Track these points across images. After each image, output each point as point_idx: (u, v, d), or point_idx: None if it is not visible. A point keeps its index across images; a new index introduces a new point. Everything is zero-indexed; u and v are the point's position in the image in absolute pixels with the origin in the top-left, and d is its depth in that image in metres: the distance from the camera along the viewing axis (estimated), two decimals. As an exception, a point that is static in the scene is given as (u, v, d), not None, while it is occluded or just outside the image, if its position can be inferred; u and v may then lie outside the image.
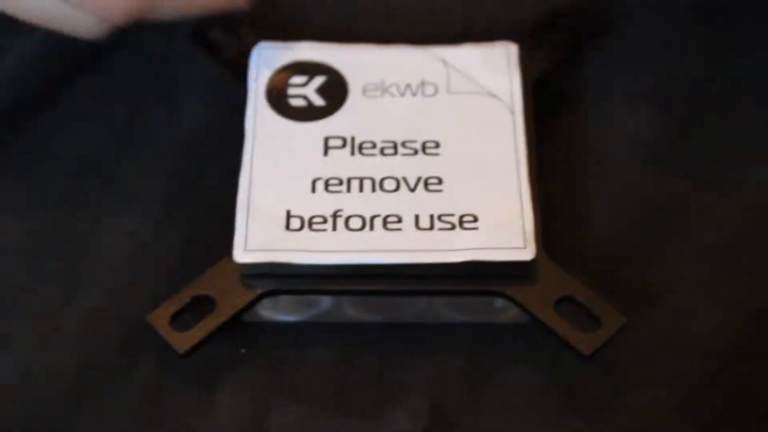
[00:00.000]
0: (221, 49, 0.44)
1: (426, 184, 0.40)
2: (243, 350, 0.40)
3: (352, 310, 0.40)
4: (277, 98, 0.42)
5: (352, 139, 0.41)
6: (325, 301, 0.40)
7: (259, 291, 0.39)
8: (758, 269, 0.42)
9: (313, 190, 0.40)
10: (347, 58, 0.43)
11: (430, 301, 0.40)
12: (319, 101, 0.42)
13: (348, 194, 0.40)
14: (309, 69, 0.43)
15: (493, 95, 0.42)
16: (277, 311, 0.40)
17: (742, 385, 0.39)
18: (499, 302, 0.40)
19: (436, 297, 0.40)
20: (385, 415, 0.39)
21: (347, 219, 0.39)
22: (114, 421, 0.39)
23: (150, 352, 0.40)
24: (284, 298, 0.40)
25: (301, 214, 0.39)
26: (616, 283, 0.41)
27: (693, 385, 0.39)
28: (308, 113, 0.42)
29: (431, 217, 0.39)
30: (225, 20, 0.44)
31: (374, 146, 0.41)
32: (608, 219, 0.43)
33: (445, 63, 0.43)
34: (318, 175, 0.40)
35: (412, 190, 0.40)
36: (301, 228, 0.39)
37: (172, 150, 0.44)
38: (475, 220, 0.39)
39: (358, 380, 0.40)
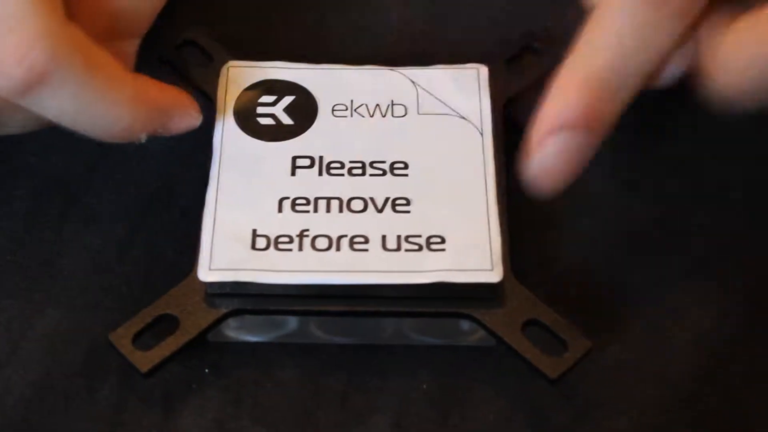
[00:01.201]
0: (191, 68, 0.44)
1: (394, 205, 0.40)
2: (207, 370, 0.40)
3: (318, 331, 0.40)
4: (246, 117, 0.42)
5: (320, 158, 0.41)
6: (292, 322, 0.40)
7: (223, 310, 0.38)
8: (728, 294, 0.42)
9: (280, 209, 0.40)
10: (317, 78, 0.43)
11: (398, 322, 0.40)
12: (287, 121, 0.42)
13: (315, 214, 0.40)
14: (278, 88, 0.43)
15: (463, 117, 0.42)
16: (242, 331, 0.40)
17: (711, 411, 0.39)
18: (466, 324, 0.39)
19: (403, 319, 0.40)
20: (351, 437, 0.39)
21: (314, 239, 0.39)
22: (75, 443, 0.38)
23: (112, 372, 0.39)
24: (250, 318, 0.40)
25: (268, 234, 0.39)
26: (584, 306, 0.41)
27: (659, 411, 0.39)
28: (276, 132, 0.42)
29: (398, 238, 0.39)
30: (195, 39, 0.44)
31: (342, 166, 0.41)
32: (577, 242, 0.42)
33: (415, 84, 0.43)
34: (285, 195, 0.40)
35: (380, 210, 0.40)
36: (267, 247, 0.39)
37: (139, 168, 0.44)
38: (443, 241, 0.39)
39: (323, 402, 0.39)
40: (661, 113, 0.46)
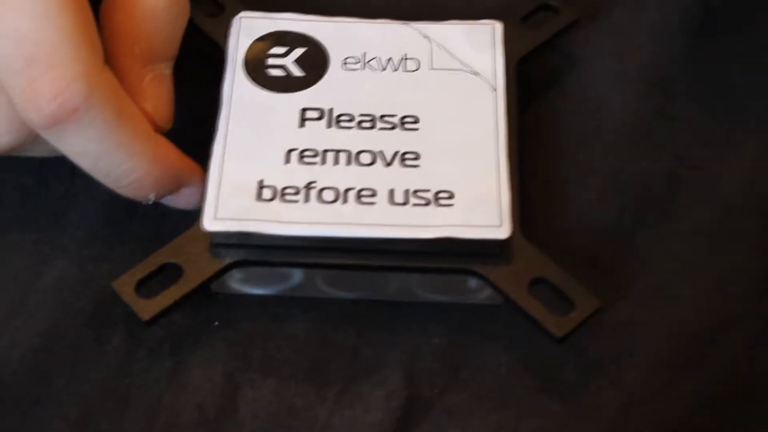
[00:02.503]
0: (203, 18, 0.43)
1: (402, 159, 0.40)
2: (216, 323, 0.40)
3: (324, 285, 0.40)
4: (256, 68, 0.42)
5: (330, 111, 0.41)
6: (297, 275, 0.40)
7: (227, 261, 0.38)
8: (738, 252, 0.41)
9: (287, 161, 0.39)
10: (329, 31, 0.43)
11: (404, 278, 0.40)
12: (298, 72, 0.42)
13: (322, 166, 0.39)
14: (289, 40, 0.43)
15: (476, 73, 0.42)
16: (247, 283, 0.40)
17: (720, 367, 0.39)
18: (473, 282, 0.39)
19: (409, 275, 0.39)
20: (361, 391, 0.38)
21: (320, 191, 0.39)
22: (83, 394, 0.38)
23: (120, 324, 0.39)
24: (255, 270, 0.39)
25: (274, 185, 0.39)
26: (592, 263, 0.40)
27: (667, 367, 0.39)
28: (286, 84, 0.41)
29: (406, 192, 0.39)
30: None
31: (352, 119, 0.41)
32: (587, 200, 0.42)
33: (428, 39, 0.43)
34: (293, 146, 0.40)
35: (388, 164, 0.39)
36: (273, 198, 0.38)
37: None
38: (451, 197, 0.39)
39: (332, 355, 0.39)
40: (673, 72, 0.45)
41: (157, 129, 0.40)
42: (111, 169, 0.39)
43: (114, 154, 0.38)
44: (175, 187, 0.40)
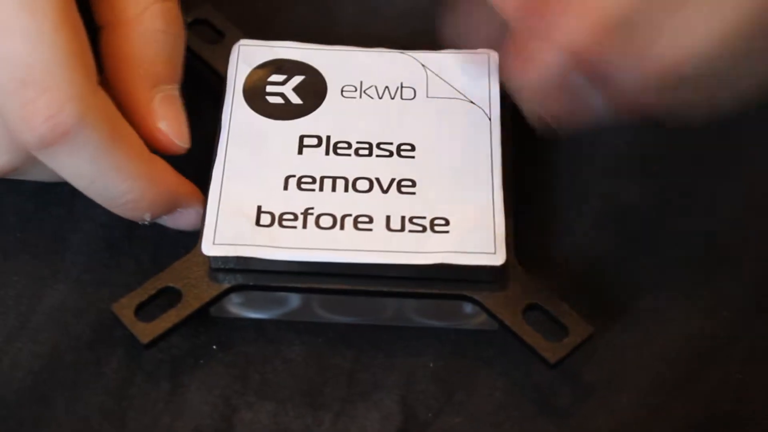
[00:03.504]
0: (202, 46, 0.44)
1: (399, 186, 0.40)
2: (214, 347, 0.40)
3: (321, 310, 0.40)
4: (255, 95, 0.42)
5: (328, 138, 0.41)
6: (294, 299, 0.40)
7: (226, 285, 0.39)
8: (730, 277, 0.42)
9: (286, 187, 0.40)
10: (327, 59, 0.43)
11: (399, 303, 0.40)
12: (296, 100, 0.42)
13: (320, 193, 0.40)
14: (288, 68, 0.43)
15: (472, 101, 0.42)
16: (245, 307, 0.40)
17: (710, 392, 0.39)
18: (468, 308, 0.40)
19: (404, 300, 0.40)
20: (357, 414, 0.39)
21: (318, 217, 0.39)
22: (82, 416, 0.39)
23: (119, 347, 0.40)
24: (253, 294, 0.40)
25: (272, 211, 0.39)
26: (587, 289, 0.41)
27: (659, 390, 0.39)
28: (285, 111, 0.42)
29: (402, 218, 0.39)
30: (207, 17, 0.45)
31: (349, 146, 0.41)
32: (581, 226, 0.43)
33: (425, 67, 0.43)
34: (291, 173, 0.40)
35: (385, 191, 0.40)
36: (272, 224, 0.39)
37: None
38: (447, 223, 0.39)
39: (329, 379, 0.40)
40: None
41: (177, 149, 0.40)
42: (106, 190, 0.39)
43: (108, 175, 0.38)
44: (172, 208, 0.40)
